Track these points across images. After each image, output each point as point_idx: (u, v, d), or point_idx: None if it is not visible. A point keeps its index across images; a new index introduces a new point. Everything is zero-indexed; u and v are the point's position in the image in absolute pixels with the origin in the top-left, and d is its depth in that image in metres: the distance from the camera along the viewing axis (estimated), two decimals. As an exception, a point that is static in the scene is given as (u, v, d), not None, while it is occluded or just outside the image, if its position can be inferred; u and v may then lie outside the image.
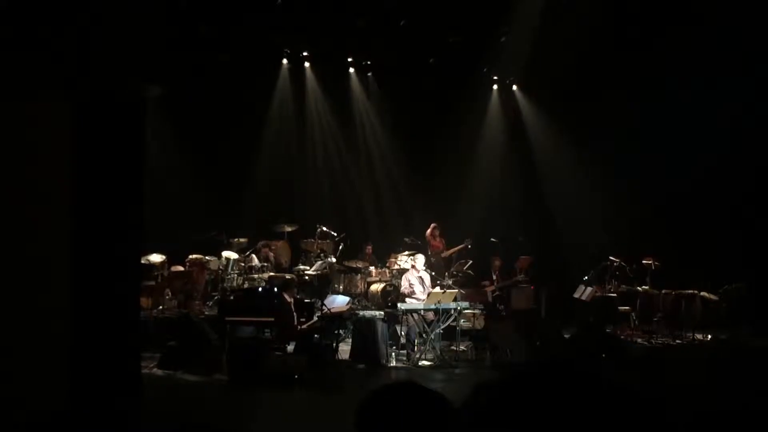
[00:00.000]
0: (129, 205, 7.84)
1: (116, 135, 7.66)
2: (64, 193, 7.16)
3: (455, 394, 2.29)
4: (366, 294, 15.17)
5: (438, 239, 16.39)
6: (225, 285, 14.14)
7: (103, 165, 7.54)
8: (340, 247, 15.59)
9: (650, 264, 13.99)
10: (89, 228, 7.35)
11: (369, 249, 16.30)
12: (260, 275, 14.22)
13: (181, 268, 14.10)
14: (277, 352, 10.50)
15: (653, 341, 13.30)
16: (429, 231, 16.28)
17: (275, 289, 11.78)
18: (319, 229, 15.51)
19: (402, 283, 12.80)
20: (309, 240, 15.72)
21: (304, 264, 15.26)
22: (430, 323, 11.70)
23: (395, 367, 11.34)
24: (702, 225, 14.78)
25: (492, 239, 15.69)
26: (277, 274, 14.39)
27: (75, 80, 7.19)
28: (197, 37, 14.45)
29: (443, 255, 16.17)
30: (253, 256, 14.73)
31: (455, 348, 12.05)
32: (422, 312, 11.73)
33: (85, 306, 7.23)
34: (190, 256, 14.20)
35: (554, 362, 2.13)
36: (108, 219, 7.55)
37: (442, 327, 11.79)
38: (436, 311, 11.62)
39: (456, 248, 16.12)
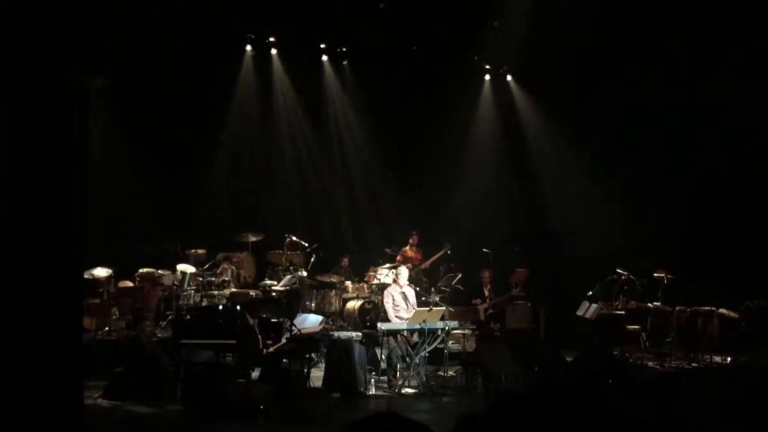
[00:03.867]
0: (70, 212, 7.76)
1: (55, 134, 7.59)
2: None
3: (442, 426, 2.29)
4: (341, 312, 15.12)
5: (415, 250, 16.43)
6: (180, 303, 14.04)
7: (40, 168, 7.47)
8: (312, 260, 15.55)
9: (662, 277, 14.06)
10: (23, 238, 7.27)
11: (345, 261, 16.27)
12: (220, 292, 14.14)
13: (130, 284, 13.98)
14: (239, 380, 10.42)
15: (666, 365, 13.39)
16: (410, 240, 16.32)
17: (237, 308, 11.69)
18: (287, 239, 15.46)
19: (383, 300, 12.77)
20: (276, 251, 15.66)
21: (270, 279, 15.19)
22: (414, 345, 11.67)
23: (375, 396, 11.29)
24: (721, 234, 14.90)
25: (484, 249, 15.69)
26: (240, 291, 14.31)
27: (4, 77, 7.13)
28: (146, 22, 14.40)
29: (423, 266, 16.21)
30: (214, 270, 14.67)
31: (443, 373, 12.02)
32: (405, 333, 11.70)
33: (16, 328, 7.13)
34: (141, 270, 14.09)
35: (553, 388, 2.14)
36: (45, 228, 7.47)
37: (428, 350, 11.77)
38: (421, 332, 11.60)
39: (435, 256, 16.15)
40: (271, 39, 16.98)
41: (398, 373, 11.78)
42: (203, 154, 16.61)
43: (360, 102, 17.81)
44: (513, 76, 18.34)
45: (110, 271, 13.70)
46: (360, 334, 12.25)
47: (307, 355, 11.34)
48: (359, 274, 16.14)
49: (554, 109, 17.34)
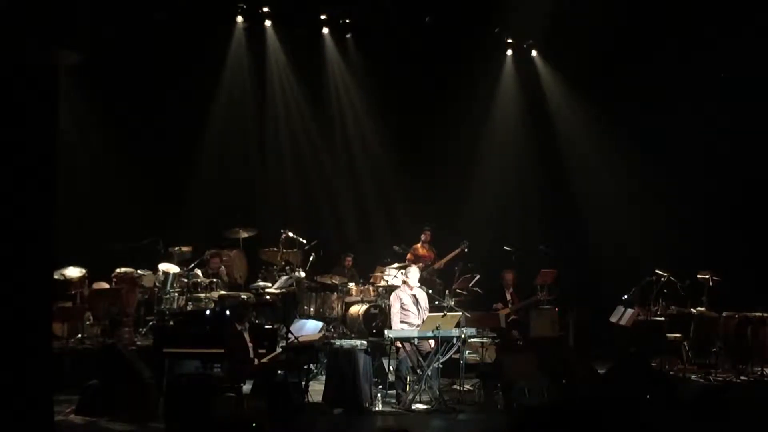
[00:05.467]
0: (38, 204, 7.74)
1: (21, 116, 7.57)
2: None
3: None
4: (344, 318, 15.10)
5: (428, 247, 16.40)
6: (163, 307, 14.02)
7: (4, 155, 7.45)
8: (311, 258, 15.53)
9: (707, 279, 14.02)
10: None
11: (348, 260, 16.26)
12: (208, 294, 14.11)
13: (106, 286, 13.98)
14: (229, 394, 10.39)
15: (712, 377, 13.33)
16: (422, 237, 16.30)
17: (227, 312, 11.68)
18: (283, 235, 15.45)
19: (391, 304, 12.74)
20: (271, 249, 15.67)
21: (264, 280, 15.17)
22: (426, 355, 11.64)
23: (382, 412, 11.25)
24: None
25: (506, 248, 15.67)
26: (230, 293, 14.29)
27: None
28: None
29: (436, 266, 16.18)
30: (198, 270, 14.66)
31: (458, 387, 11.97)
32: (416, 341, 11.67)
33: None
34: (118, 270, 14.08)
35: (583, 405, 2.09)
36: (8, 222, 7.45)
37: (442, 360, 11.73)
38: (434, 340, 11.58)
39: (450, 255, 16.14)
40: (265, 9, 16.93)
41: (408, 386, 11.73)
42: (188, 140, 16.58)
43: (365, 81, 17.75)
44: (539, 51, 18.24)
45: (83, 270, 13.71)
46: (365, 342, 12.17)
47: (306, 366, 11.33)
48: (364, 274, 16.14)
49: (586, 90, 17.27)
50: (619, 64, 16.32)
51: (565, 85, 17.92)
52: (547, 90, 18.20)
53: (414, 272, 12.61)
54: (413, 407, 11.38)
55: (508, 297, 14.73)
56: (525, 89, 18.30)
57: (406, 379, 11.76)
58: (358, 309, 14.86)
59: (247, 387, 10.86)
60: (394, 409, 11.40)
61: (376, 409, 11.32)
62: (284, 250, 15.48)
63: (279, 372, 10.93)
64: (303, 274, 15.20)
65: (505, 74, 18.33)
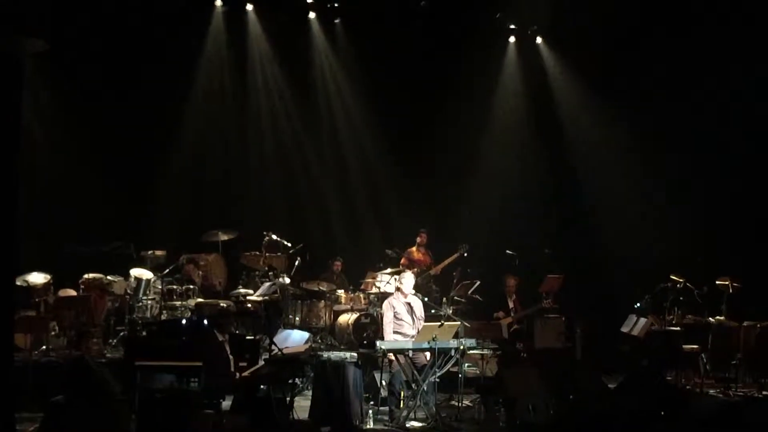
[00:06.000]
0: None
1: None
2: None
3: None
4: (332, 328, 15.16)
5: (423, 251, 16.45)
6: (135, 316, 14.06)
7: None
8: (296, 263, 15.57)
9: (727, 286, 14.08)
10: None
11: (337, 265, 16.31)
12: (184, 302, 14.15)
13: (72, 293, 13.95)
14: (207, 411, 10.42)
15: (731, 392, 13.37)
16: (417, 240, 16.34)
17: (205, 322, 11.70)
18: (266, 238, 15.47)
19: (383, 313, 12.76)
20: (252, 253, 15.67)
21: (245, 286, 15.21)
22: (421, 368, 11.67)
23: (373, 430, 11.23)
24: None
25: (507, 251, 15.72)
26: (208, 301, 14.33)
27: None
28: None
29: (432, 272, 16.23)
30: (176, 275, 14.69)
31: (456, 403, 11.98)
32: (411, 353, 11.69)
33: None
34: (86, 276, 14.08)
35: (593, 422, 2.16)
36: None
37: (439, 374, 11.75)
38: (430, 351, 11.62)
39: (448, 260, 16.18)
40: (247, -9, 17.00)
41: (402, 402, 11.74)
42: (163, 134, 16.60)
43: (356, 71, 17.80)
44: (543, 38, 18.30)
45: (48, 276, 13.69)
46: (355, 354, 12.19)
47: (291, 381, 11.34)
48: (354, 281, 16.17)
49: (594, 79, 17.30)
50: (630, 50, 16.35)
51: (572, 74, 17.94)
52: (553, 80, 18.24)
53: (408, 278, 12.62)
54: (407, 425, 11.36)
55: (511, 305, 14.77)
56: (529, 79, 18.35)
57: (400, 394, 11.76)
58: (347, 318, 14.89)
59: (226, 403, 10.87)
60: (386, 428, 11.37)
61: (367, 427, 11.29)
62: (267, 254, 15.47)
63: (261, 387, 10.91)
64: (288, 281, 15.19)
65: (507, 63, 18.40)
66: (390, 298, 12.59)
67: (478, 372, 13.13)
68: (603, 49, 16.67)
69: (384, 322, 12.30)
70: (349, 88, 17.91)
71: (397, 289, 12.70)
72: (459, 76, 17.51)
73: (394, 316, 12.24)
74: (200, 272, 15.12)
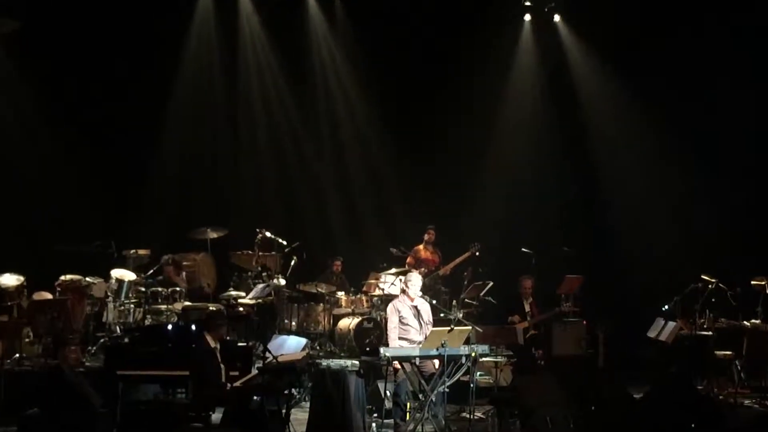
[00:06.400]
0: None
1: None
2: None
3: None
4: (332, 334, 15.13)
5: (431, 250, 16.37)
6: (116, 321, 13.98)
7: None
8: (292, 263, 15.54)
9: (763, 286, 14.00)
10: None
11: (336, 265, 16.28)
12: (170, 306, 14.10)
13: (48, 296, 13.90)
14: (195, 424, 10.38)
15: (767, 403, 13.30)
16: (425, 237, 16.26)
17: (193, 327, 11.66)
18: (259, 236, 15.42)
19: (387, 317, 12.71)
20: (244, 252, 15.69)
21: (236, 288, 15.16)
22: (429, 377, 11.61)
23: (377, 445, 11.26)
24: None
25: (523, 250, 15.65)
26: (196, 304, 14.28)
27: None
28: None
29: (441, 272, 16.19)
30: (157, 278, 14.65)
31: (468, 415, 11.90)
32: (418, 361, 11.62)
33: None
34: (62, 278, 14.00)
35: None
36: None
37: (449, 383, 11.68)
38: (439, 359, 11.53)
39: (458, 259, 16.16)
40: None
41: (408, 414, 11.67)
42: (147, 124, 16.59)
43: (356, 53, 17.76)
44: (562, 16, 18.20)
45: (22, 278, 13.65)
46: (357, 362, 12.16)
47: (286, 391, 11.27)
48: (356, 282, 16.15)
49: (617, 61, 17.21)
50: (654, 29, 16.28)
51: (592, 55, 17.85)
52: (572, 61, 18.13)
53: (416, 279, 12.53)
54: (415, 439, 11.34)
55: (527, 308, 14.69)
56: (545, 60, 18.29)
57: (406, 406, 11.69)
58: (348, 323, 14.86)
59: (216, 416, 10.83)
60: (391, 442, 11.37)
61: (371, 441, 11.29)
62: (260, 254, 15.46)
63: (255, 398, 10.87)
64: (283, 282, 15.21)
65: (522, 42, 18.34)
66: (395, 301, 12.55)
67: (491, 381, 13.06)
68: (626, 27, 16.52)
69: (388, 328, 12.27)
70: (349, 73, 17.89)
71: (403, 291, 12.63)
72: (470, 58, 17.42)
73: (400, 320, 12.20)
74: (184, 274, 15.04)
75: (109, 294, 14.24)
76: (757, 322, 14.02)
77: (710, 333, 13.90)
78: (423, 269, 15.41)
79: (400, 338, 12.08)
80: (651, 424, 11.09)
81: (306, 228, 16.87)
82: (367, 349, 13.52)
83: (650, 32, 16.40)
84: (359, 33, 17.59)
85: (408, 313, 12.21)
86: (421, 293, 12.53)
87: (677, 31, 16.16)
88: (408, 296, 12.33)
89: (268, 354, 10.99)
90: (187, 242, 15.71)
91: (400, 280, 13.50)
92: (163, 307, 14.10)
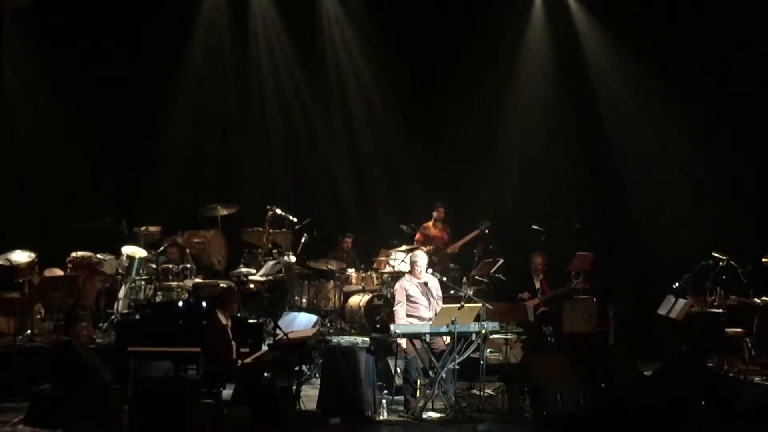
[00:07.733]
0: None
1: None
2: None
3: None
4: (342, 311, 15.14)
5: (441, 227, 16.38)
6: (126, 298, 14.05)
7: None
8: (303, 240, 15.55)
9: (774, 264, 14.00)
10: None
11: (347, 242, 16.30)
12: (180, 282, 14.14)
13: (59, 273, 13.96)
14: (206, 400, 10.40)
15: (779, 380, 13.34)
16: (434, 214, 16.25)
17: (204, 304, 11.69)
18: (270, 213, 15.46)
19: (396, 294, 12.72)
20: (255, 229, 15.70)
21: (247, 265, 15.21)
22: (440, 354, 11.64)
23: (387, 422, 11.22)
24: None
25: (534, 227, 15.62)
26: (207, 281, 14.33)
27: None
28: None
29: (449, 250, 16.19)
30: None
31: (478, 392, 11.95)
32: (428, 338, 11.64)
33: None
34: (74, 255, 14.06)
35: (627, 413, 2.07)
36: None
37: (459, 360, 11.72)
38: (449, 336, 11.57)
39: (468, 236, 16.16)
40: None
41: (418, 391, 11.72)
42: (157, 100, 16.59)
43: (367, 29, 17.68)
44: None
45: (33, 255, 13.71)
46: (367, 339, 12.20)
47: (297, 368, 11.31)
48: (366, 259, 16.16)
49: (631, 39, 17.09)
50: (670, 6, 16.18)
51: (605, 33, 17.71)
52: (583, 38, 17.98)
53: (421, 258, 12.33)
54: (424, 416, 11.35)
55: (537, 285, 14.68)
56: (557, 38, 18.12)
57: (416, 382, 11.72)
58: (358, 300, 14.86)
59: (227, 392, 10.83)
60: (401, 418, 11.38)
61: (381, 418, 11.29)
62: (271, 231, 15.49)
63: (265, 375, 10.93)
64: (293, 259, 15.22)
65: (533, 20, 18.15)
66: (402, 280, 12.52)
67: (501, 358, 13.13)
68: (639, 5, 16.46)
69: (395, 306, 12.21)
70: (361, 49, 17.81)
71: (412, 268, 12.61)
72: (481, 36, 17.31)
73: (408, 299, 12.14)
74: (189, 252, 15.03)
75: (120, 271, 14.27)
76: (768, 299, 14.06)
77: (721, 310, 13.83)
78: (431, 246, 15.40)
79: (409, 316, 12.09)
80: (661, 401, 11.11)
81: (316, 205, 16.87)
82: (378, 325, 13.52)
83: (664, 6, 16.30)
84: (370, 10, 17.52)
85: (416, 291, 12.19)
86: (430, 270, 12.55)
87: (693, 3, 16.07)
88: (416, 274, 12.34)
89: (278, 331, 11.03)
90: (197, 219, 15.74)
91: (410, 256, 13.49)
92: (174, 283, 14.14)
